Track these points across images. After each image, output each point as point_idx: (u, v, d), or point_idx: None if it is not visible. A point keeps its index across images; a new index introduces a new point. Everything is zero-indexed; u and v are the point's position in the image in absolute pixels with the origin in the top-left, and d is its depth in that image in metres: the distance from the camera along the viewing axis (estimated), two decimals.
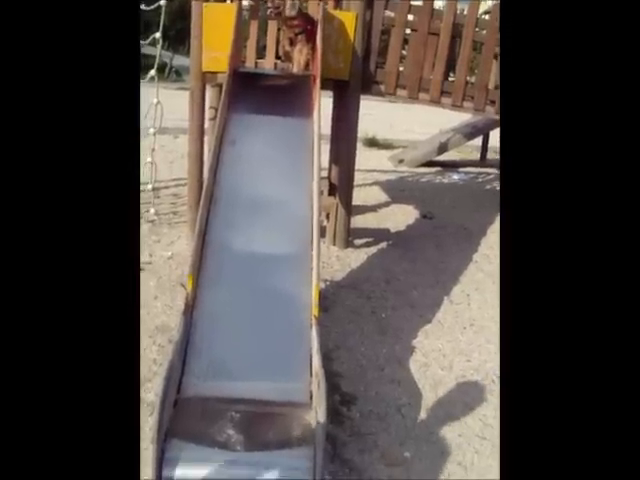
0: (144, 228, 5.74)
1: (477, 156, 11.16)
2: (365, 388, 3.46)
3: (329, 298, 4.46)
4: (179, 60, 30.86)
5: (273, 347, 3.06)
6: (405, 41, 5.71)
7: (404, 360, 3.79)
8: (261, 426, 2.65)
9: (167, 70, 29.03)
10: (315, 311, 3.01)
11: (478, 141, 10.83)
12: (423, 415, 3.28)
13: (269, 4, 4.88)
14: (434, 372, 3.69)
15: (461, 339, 4.10)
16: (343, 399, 3.33)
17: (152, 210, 5.99)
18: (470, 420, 3.27)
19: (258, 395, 2.72)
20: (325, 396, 2.49)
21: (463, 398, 3.47)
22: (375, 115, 15.25)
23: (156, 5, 5.69)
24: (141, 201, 6.24)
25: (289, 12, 4.77)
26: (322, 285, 4.48)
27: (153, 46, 5.99)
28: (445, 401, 3.43)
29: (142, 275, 4.62)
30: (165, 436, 2.42)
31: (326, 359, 3.57)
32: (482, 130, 10.13)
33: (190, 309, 3.02)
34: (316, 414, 2.57)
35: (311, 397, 2.76)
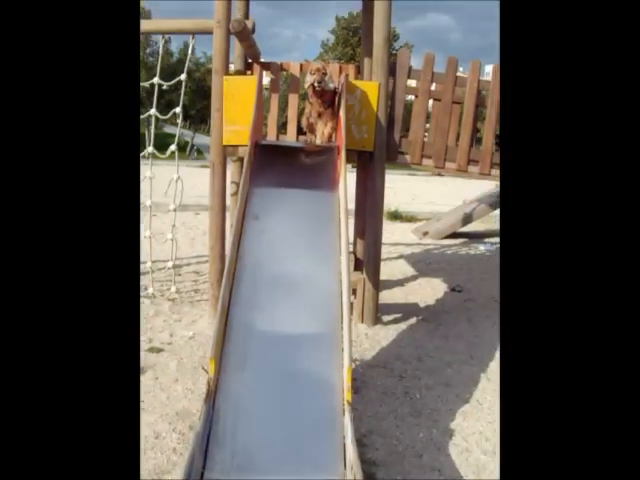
0: (165, 307, 5.57)
1: None
2: (403, 478, 3.18)
3: (359, 379, 4.21)
4: (200, 139, 31.57)
5: (302, 436, 2.82)
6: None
7: (443, 445, 3.51)
8: None
9: (189, 148, 29.62)
10: (348, 396, 2.79)
11: None
12: None
13: (313, 79, 4.76)
14: (476, 457, 3.40)
15: None
16: None
17: (173, 288, 5.83)
18: None
19: None
20: None
21: None
22: (396, 189, 15.24)
23: (176, 81, 5.66)
24: (162, 279, 6.12)
25: (327, 86, 4.70)
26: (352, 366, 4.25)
27: (174, 125, 5.96)
28: None
29: (162, 357, 4.42)
30: None
31: (359, 445, 3.30)
32: None
33: (212, 395, 2.81)
34: None
35: None
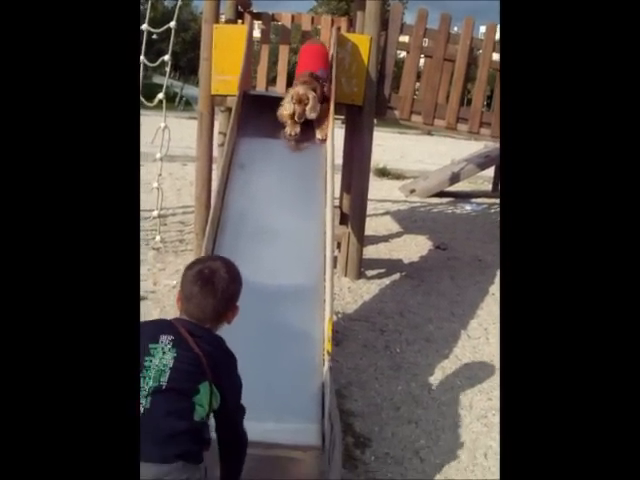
0: (149, 255, 5.57)
1: (489, 187, 11.04)
2: (380, 429, 3.23)
3: (341, 332, 4.25)
4: (190, 90, 31.15)
5: (281, 385, 2.85)
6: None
7: (421, 398, 3.56)
8: (268, 471, 2.44)
9: (177, 99, 29.20)
10: (328, 346, 2.81)
11: (490, 172, 10.73)
12: (443, 459, 3.05)
13: (293, 109, 4.22)
14: (453, 412, 3.46)
15: (480, 376, 3.87)
16: (357, 441, 3.09)
17: (158, 237, 5.82)
18: (494, 465, 3.04)
19: (265, 437, 2.50)
20: (340, 440, 2.28)
21: (485, 441, 3.23)
22: (385, 146, 15.17)
23: (165, 28, 5.57)
24: (147, 228, 6.10)
25: (309, 116, 4.23)
26: (334, 318, 4.28)
27: (163, 75, 5.88)
28: (466, 443, 3.20)
29: (145, 304, 4.43)
30: None
31: (338, 397, 3.36)
32: (494, 160, 10.01)
33: None
34: (329, 459, 2.36)
35: (323, 440, 2.54)
